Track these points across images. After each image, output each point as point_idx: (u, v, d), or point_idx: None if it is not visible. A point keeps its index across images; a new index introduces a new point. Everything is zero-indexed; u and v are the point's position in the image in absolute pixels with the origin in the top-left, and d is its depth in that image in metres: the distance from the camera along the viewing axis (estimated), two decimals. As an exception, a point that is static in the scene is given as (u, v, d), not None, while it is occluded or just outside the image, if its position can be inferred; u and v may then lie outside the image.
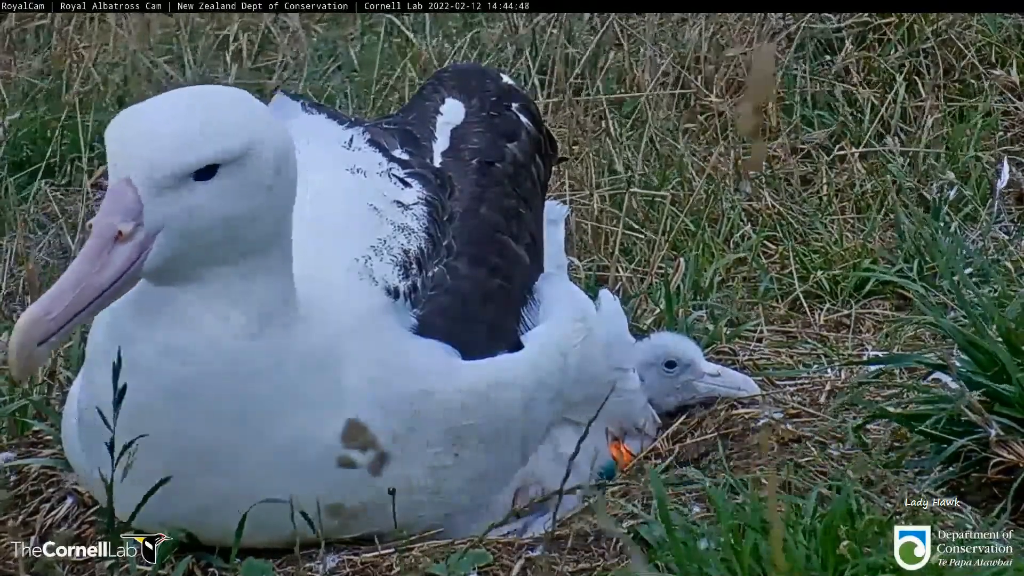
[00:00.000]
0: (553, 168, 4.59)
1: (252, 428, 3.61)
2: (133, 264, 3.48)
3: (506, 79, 4.53)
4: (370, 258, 3.86)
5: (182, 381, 3.57)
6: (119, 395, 3.56)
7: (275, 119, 3.66)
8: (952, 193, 6.38)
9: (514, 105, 4.39)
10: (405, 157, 4.15)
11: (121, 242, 3.47)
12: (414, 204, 4.00)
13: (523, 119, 4.36)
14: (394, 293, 3.83)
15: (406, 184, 4.05)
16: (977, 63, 7.28)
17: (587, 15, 7.37)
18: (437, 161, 4.19)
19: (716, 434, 4.33)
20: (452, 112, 4.33)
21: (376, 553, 3.78)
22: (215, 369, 3.57)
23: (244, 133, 3.52)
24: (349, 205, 3.98)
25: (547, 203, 4.50)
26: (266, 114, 3.64)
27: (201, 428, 3.59)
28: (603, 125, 6.75)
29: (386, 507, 3.74)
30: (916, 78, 7.19)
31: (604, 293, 4.41)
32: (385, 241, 3.91)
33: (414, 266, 3.89)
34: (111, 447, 3.59)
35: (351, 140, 4.19)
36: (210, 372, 3.57)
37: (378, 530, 3.81)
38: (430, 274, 3.89)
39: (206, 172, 3.50)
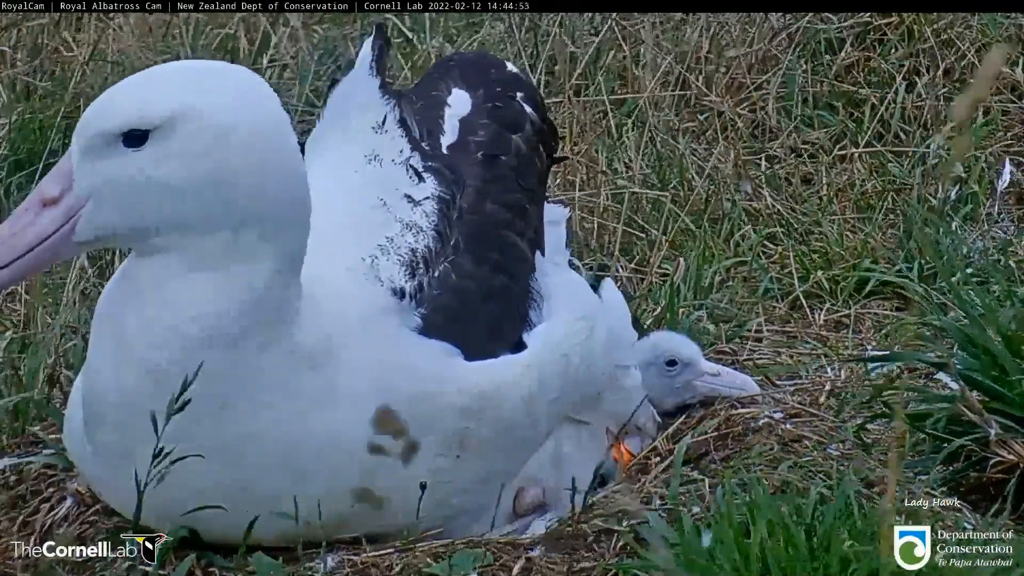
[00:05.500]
0: (553, 164, 4.55)
1: (241, 423, 3.59)
2: (61, 228, 3.49)
3: (511, 67, 4.46)
4: (377, 257, 3.84)
5: (157, 365, 3.54)
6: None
7: (244, 96, 3.56)
8: (953, 193, 6.37)
9: (519, 95, 4.33)
10: (426, 148, 4.10)
11: (50, 206, 3.48)
12: (425, 199, 3.96)
13: (528, 109, 4.31)
14: (399, 294, 3.80)
15: (421, 178, 4.00)
16: (977, 63, 7.27)
17: (588, 15, 7.36)
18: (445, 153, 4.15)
19: (716, 434, 4.33)
20: (459, 103, 4.27)
21: (376, 553, 3.78)
22: (197, 355, 3.54)
23: (171, 101, 3.48)
24: (360, 200, 3.95)
25: (548, 205, 4.47)
26: (219, 88, 3.55)
27: (188, 420, 3.54)
28: (603, 125, 6.75)
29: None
30: (916, 78, 7.19)
31: (607, 283, 4.37)
32: (393, 240, 3.88)
33: (421, 265, 3.85)
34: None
35: (384, 120, 4.11)
36: (193, 357, 3.53)
37: (383, 530, 3.80)
38: (436, 273, 3.86)
39: (136, 140, 3.47)
